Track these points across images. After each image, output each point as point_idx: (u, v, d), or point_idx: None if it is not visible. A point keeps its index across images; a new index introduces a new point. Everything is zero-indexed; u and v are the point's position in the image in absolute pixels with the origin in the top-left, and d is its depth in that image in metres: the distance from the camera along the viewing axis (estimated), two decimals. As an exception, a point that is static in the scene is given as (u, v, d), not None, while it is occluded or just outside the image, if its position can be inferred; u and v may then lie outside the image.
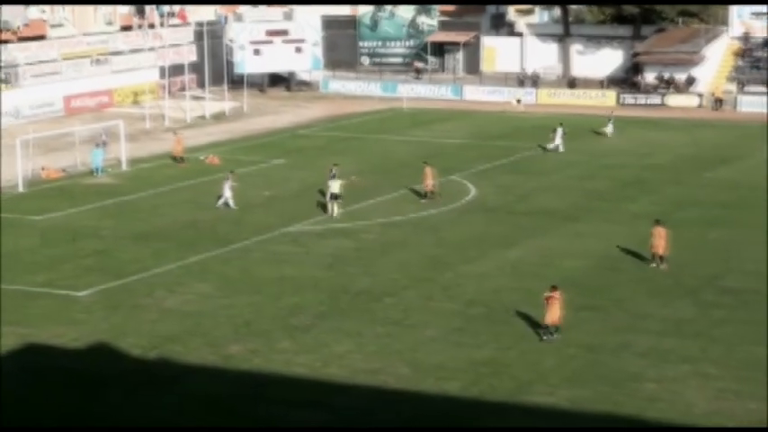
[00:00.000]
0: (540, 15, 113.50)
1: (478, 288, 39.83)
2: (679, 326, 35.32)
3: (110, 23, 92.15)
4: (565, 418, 28.71)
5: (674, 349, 33.08)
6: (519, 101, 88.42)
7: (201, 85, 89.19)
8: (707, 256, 43.69)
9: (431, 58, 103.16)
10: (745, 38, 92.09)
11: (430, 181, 53.40)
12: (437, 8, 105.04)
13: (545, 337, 33.48)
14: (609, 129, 73.06)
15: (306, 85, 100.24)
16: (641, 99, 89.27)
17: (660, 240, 41.93)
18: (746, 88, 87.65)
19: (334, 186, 50.63)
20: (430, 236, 47.59)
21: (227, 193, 52.04)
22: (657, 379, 30.96)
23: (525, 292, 39.00)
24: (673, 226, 46.58)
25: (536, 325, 35.29)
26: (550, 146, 67.82)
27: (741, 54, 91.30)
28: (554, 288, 33.62)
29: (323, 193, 52.34)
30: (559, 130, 67.51)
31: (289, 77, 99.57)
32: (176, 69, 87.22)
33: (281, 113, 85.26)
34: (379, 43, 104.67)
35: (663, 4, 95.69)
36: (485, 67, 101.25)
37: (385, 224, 49.64)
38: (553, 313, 33.20)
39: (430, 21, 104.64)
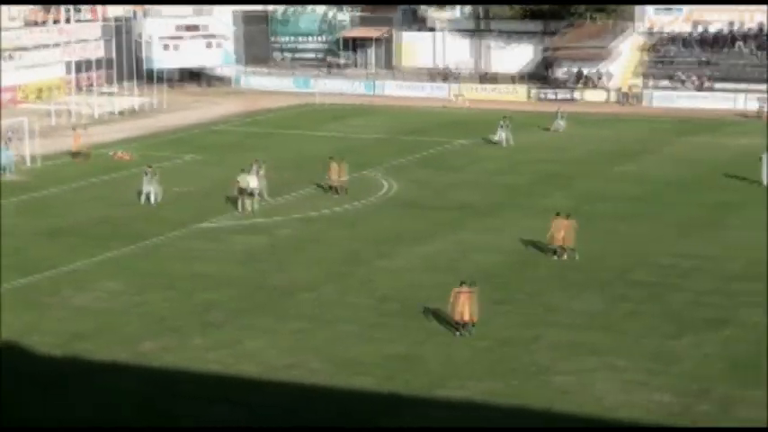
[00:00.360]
0: (455, 10, 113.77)
1: (393, 283, 39.94)
2: (589, 319, 35.71)
3: (13, 19, 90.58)
4: (479, 412, 28.85)
5: (585, 342, 33.42)
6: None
7: (112, 81, 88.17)
8: (617, 249, 44.17)
9: (344, 54, 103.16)
10: (651, 33, 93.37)
11: (335, 176, 53.45)
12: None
13: (458, 334, 33.54)
14: (560, 124, 73.52)
15: (219, 80, 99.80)
16: (552, 94, 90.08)
17: (560, 233, 42.41)
18: (654, 83, 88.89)
19: (252, 181, 50.64)
20: (345, 231, 47.63)
21: (149, 188, 51.78)
22: (568, 371, 31.24)
23: (440, 286, 38.86)
24: (584, 220, 47.21)
25: (449, 318, 35.55)
26: (495, 138, 68.60)
27: (648, 49, 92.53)
28: (463, 284, 33.68)
29: (245, 190, 52.03)
30: (501, 123, 68.23)
31: (201, 73, 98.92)
32: (85, 65, 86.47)
33: (194, 109, 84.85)
34: (293, 38, 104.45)
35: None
36: (399, 62, 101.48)
37: (300, 219, 49.57)
38: (467, 309, 33.19)
39: (343, 16, 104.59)
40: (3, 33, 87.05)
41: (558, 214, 43.23)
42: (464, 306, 33.18)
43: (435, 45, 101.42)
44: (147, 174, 52.37)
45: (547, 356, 32.33)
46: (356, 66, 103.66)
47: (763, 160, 55.90)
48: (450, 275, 40.18)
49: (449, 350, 33.15)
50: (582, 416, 28.58)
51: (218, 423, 28.26)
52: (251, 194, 50.57)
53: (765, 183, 55.27)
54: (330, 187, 53.76)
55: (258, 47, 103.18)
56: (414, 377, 31.13)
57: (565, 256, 42.46)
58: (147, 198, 51.83)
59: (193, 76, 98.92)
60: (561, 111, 74.81)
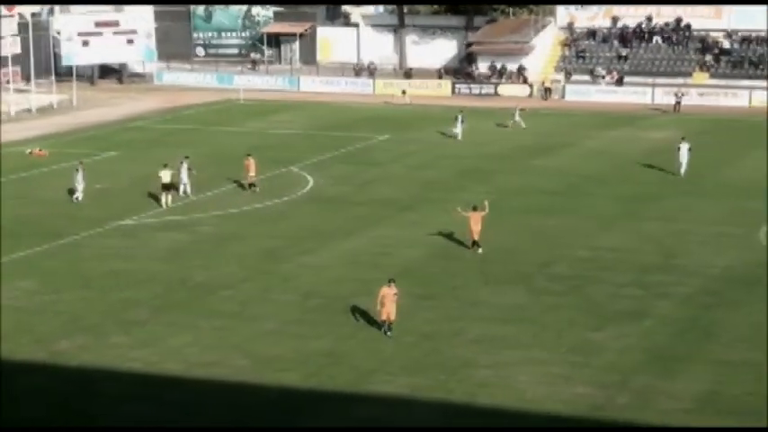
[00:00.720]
0: (376, 7, 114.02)
1: (316, 279, 39.91)
2: (511, 312, 35.90)
3: None
4: (403, 406, 28.97)
5: (507, 336, 33.65)
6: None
7: (27, 78, 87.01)
8: (538, 243, 44.53)
9: (267, 49, 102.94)
10: (570, 28, 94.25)
11: (252, 173, 53.37)
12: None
13: (389, 334, 33.41)
14: (517, 119, 72.61)
15: (139, 76, 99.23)
16: (475, 89, 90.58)
17: (476, 226, 42.79)
18: (573, 78, 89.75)
19: (165, 176, 50.60)
20: (267, 227, 47.50)
21: (81, 185, 51.43)
22: (490, 365, 31.44)
23: (363, 282, 39.18)
24: (505, 214, 47.80)
25: (374, 313, 35.54)
26: (455, 130, 68.87)
27: (567, 44, 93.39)
28: (391, 281, 33.62)
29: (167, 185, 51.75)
30: (459, 117, 68.16)
31: (121, 69, 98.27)
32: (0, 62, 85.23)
33: (113, 106, 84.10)
34: (214, 34, 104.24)
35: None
36: (321, 57, 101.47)
37: (221, 216, 49.35)
38: (389, 309, 33.25)
39: (265, 12, 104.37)
40: None
41: (474, 208, 43.59)
42: (390, 305, 33.13)
43: (359, 40, 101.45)
44: (77, 170, 51.88)
45: (470, 350, 32.46)
46: (279, 61, 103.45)
47: (681, 150, 56.75)
48: (373, 271, 40.51)
49: (374, 345, 33.20)
50: (504, 409, 28.75)
51: (138, 422, 28.01)
52: (170, 189, 50.70)
53: (682, 173, 56.25)
54: (249, 185, 53.65)
55: (180, 43, 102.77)
56: (338, 373, 31.15)
57: (480, 249, 42.86)
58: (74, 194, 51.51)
59: (111, 72, 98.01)
60: (520, 108, 73.98)
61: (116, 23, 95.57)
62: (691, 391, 29.67)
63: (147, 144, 67.84)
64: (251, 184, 53.38)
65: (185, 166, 52.27)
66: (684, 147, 56.68)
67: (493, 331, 33.79)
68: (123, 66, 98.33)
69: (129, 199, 52.05)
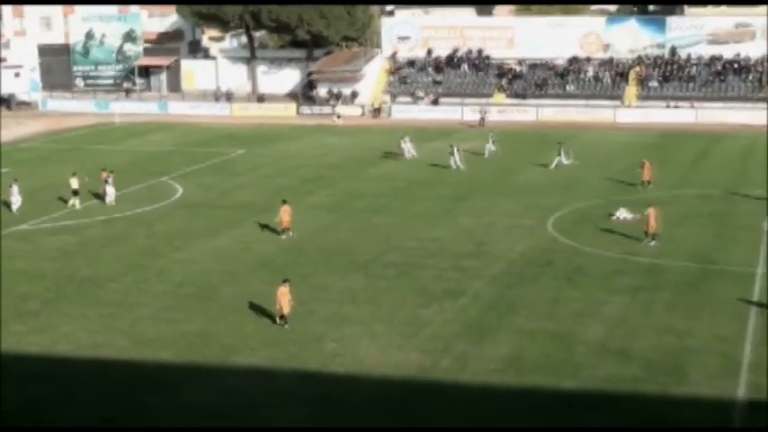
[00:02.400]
0: (231, 41, 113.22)
1: (187, 271, 39.56)
2: (353, 295, 36.10)
3: None
4: (265, 376, 29.05)
5: (350, 314, 33.86)
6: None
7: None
8: (373, 237, 44.81)
9: (138, 80, 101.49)
10: (394, 58, 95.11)
11: (75, 188, 51.81)
12: (141, 37, 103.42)
13: (286, 326, 32.76)
14: (492, 148, 66.06)
15: (26, 104, 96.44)
16: (316, 110, 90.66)
17: (285, 216, 43.91)
18: (397, 99, 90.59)
19: (74, 183, 50.90)
20: (144, 229, 46.79)
21: (16, 198, 50.19)
22: (337, 339, 31.62)
23: (228, 273, 39.22)
24: (346, 214, 48.09)
25: (237, 298, 35.58)
26: (407, 153, 66.00)
27: (392, 72, 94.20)
28: (286, 281, 33.15)
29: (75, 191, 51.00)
30: (406, 138, 66.38)
31: (9, 98, 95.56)
32: None
33: (4, 129, 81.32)
34: (92, 67, 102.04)
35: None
36: (185, 85, 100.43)
37: (105, 221, 48.45)
38: (283, 304, 32.67)
39: (136, 47, 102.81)
40: None
41: (284, 201, 44.99)
42: (284, 301, 32.66)
43: (217, 71, 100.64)
44: (11, 186, 50.73)
45: (320, 328, 32.58)
46: (149, 89, 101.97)
47: (488, 143, 61.43)
48: (236, 263, 40.52)
49: (238, 326, 33.10)
50: (346, 373, 29.08)
51: (37, 399, 27.49)
52: (78, 194, 50.94)
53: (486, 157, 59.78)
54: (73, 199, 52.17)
55: (61, 75, 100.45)
56: (208, 349, 31.02)
57: (291, 234, 44.13)
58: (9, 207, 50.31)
59: (2, 101, 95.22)
60: (492, 135, 67.65)
61: (4, 59, 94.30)
62: (498, 354, 30.27)
63: (36, 162, 66.13)
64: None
65: (105, 176, 52.25)
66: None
67: (338, 311, 33.97)
68: (11, 95, 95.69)
69: (23, 208, 50.48)
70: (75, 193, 51.31)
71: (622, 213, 46.34)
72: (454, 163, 60.57)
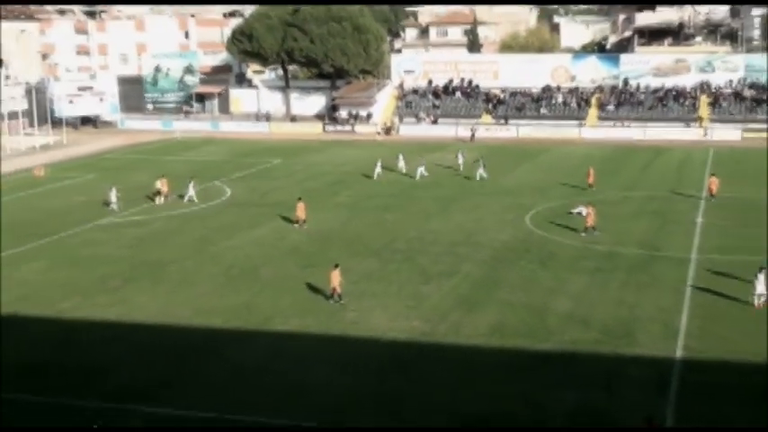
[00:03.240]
0: (269, 74, 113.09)
1: (235, 256, 39.67)
2: (368, 275, 36.23)
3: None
4: (295, 339, 29.07)
5: (365, 290, 33.97)
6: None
7: (32, 125, 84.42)
8: (383, 229, 44.80)
9: (195, 104, 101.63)
10: (401, 87, 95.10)
11: (165, 189, 52.32)
12: (198, 70, 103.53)
13: (332, 301, 32.39)
14: (482, 173, 59.02)
15: (108, 123, 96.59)
16: (339, 128, 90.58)
17: (300, 211, 44.49)
18: (404, 120, 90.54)
19: (159, 185, 52.34)
20: (200, 223, 46.87)
21: (114, 198, 49.89)
22: (355, 310, 31.76)
23: (267, 257, 39.37)
24: (361, 211, 48.01)
25: (274, 277, 35.59)
26: (402, 169, 61.76)
27: (399, 98, 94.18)
28: (336, 266, 32.86)
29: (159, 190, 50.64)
30: (400, 156, 63.26)
31: (95, 119, 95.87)
32: (13, 115, 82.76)
33: (91, 144, 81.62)
34: (159, 94, 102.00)
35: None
36: (233, 108, 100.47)
37: (168, 217, 48.51)
38: (335, 284, 32.26)
39: (194, 78, 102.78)
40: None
41: (300, 199, 45.50)
42: (335, 280, 32.32)
43: (258, 97, 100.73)
44: (111, 189, 50.52)
45: (343, 301, 32.47)
46: (204, 111, 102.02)
47: (479, 163, 59.05)
48: (273, 250, 40.65)
49: (275, 299, 33.24)
50: (362, 336, 29.25)
51: (111, 358, 27.71)
52: (160, 193, 51.71)
53: (478, 177, 57.95)
54: (164, 197, 52.36)
55: (135, 100, 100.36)
56: (251, 317, 31.16)
57: (304, 226, 44.29)
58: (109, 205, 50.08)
59: (89, 121, 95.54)
60: (482, 160, 60.38)
61: (91, 88, 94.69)
62: (485, 322, 30.39)
63: (115, 169, 66.14)
64: (163, 197, 52.35)
65: (190, 181, 52.58)
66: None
67: (356, 288, 33.99)
68: (97, 116, 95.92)
69: (104, 207, 50.72)
70: (159, 192, 51.91)
71: (579, 209, 46.30)
72: (479, 175, 58.19)
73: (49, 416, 23.50)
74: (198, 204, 51.17)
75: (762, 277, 31.02)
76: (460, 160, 61.99)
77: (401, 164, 62.41)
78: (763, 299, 31.00)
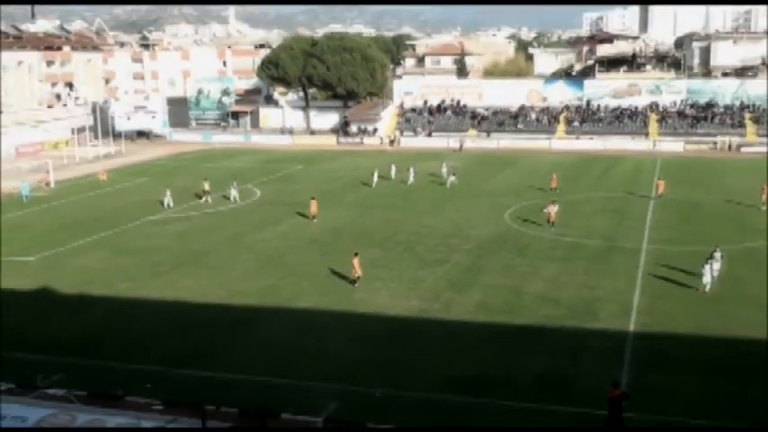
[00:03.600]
0: (292, 95, 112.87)
1: (264, 246, 39.55)
2: (375, 262, 36.05)
3: (40, 104, 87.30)
4: (314, 315, 29.02)
5: (371, 274, 33.73)
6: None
7: (97, 137, 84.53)
8: (387, 224, 44.61)
9: (231, 120, 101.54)
10: (401, 106, 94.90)
11: (206, 189, 52.04)
12: (234, 92, 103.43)
13: (355, 284, 31.96)
14: (453, 180, 57.47)
15: (158, 136, 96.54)
16: (350, 140, 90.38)
17: (313, 207, 44.86)
18: (404, 133, 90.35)
19: (206, 185, 51.87)
20: (234, 219, 46.72)
21: (168, 199, 49.85)
22: (364, 291, 31.66)
23: (290, 247, 39.24)
24: (368, 209, 47.95)
25: (297, 264, 35.44)
26: (410, 180, 58.76)
27: (400, 115, 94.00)
28: (356, 254, 32.73)
29: (207, 191, 50.58)
30: (392, 165, 61.40)
31: (148, 132, 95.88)
32: (81, 129, 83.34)
33: (144, 153, 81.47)
34: (201, 112, 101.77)
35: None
36: (262, 124, 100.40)
37: (208, 214, 48.42)
38: (357, 269, 32.13)
39: (229, 99, 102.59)
40: (31, 112, 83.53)
41: (312, 197, 45.57)
42: (357, 267, 32.16)
43: (283, 114, 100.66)
44: (166, 190, 50.48)
45: (344, 283, 32.53)
46: (238, 126, 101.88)
47: (450, 171, 58.07)
48: (296, 241, 40.45)
49: (297, 282, 33.14)
50: (369, 312, 29.16)
51: (160, 330, 27.67)
52: (209, 193, 51.42)
53: (448, 185, 56.69)
54: (202, 196, 52.14)
55: (181, 117, 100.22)
56: (278, 297, 31.10)
57: (315, 220, 44.39)
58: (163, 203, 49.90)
59: (143, 134, 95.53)
60: (453, 168, 59.61)
61: (145, 107, 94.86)
62: (472, 301, 30.32)
63: (164, 174, 65.95)
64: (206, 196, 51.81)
65: (234, 184, 52.62)
66: (447, 170, 58.21)
67: (365, 272, 33.75)
68: (149, 130, 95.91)
69: (155, 205, 50.67)
70: (206, 192, 51.49)
71: (549, 208, 46.16)
72: (449, 183, 56.78)
73: (110, 378, 23.52)
74: (237, 203, 51.09)
75: (708, 267, 30.77)
76: (444, 170, 59.97)
77: (393, 172, 61.17)
78: (707, 286, 30.67)
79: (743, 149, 77.21)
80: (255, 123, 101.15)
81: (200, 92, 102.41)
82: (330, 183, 60.70)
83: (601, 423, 19.97)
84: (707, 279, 30.64)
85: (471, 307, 29.57)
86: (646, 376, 23.30)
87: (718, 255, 31.63)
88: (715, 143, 79.13)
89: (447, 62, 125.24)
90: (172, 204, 49.76)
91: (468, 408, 21.57)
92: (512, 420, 20.75)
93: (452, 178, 57.90)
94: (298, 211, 48.31)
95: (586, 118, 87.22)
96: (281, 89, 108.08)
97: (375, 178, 58.53)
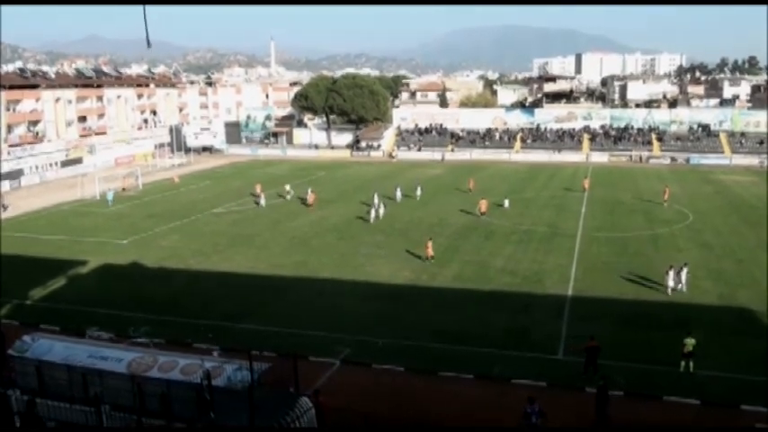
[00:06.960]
0: (318, 120, 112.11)
1: (295, 232, 39.10)
2: (379, 244, 35.74)
3: (133, 126, 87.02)
4: (332, 283, 28.69)
5: (375, 253, 33.56)
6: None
7: (173, 151, 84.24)
8: (388, 216, 43.98)
9: (272, 138, 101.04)
10: (399, 128, 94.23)
11: (259, 190, 51.25)
12: (274, 117, 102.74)
13: (428, 262, 30.62)
14: (418, 193, 50.76)
15: (218, 151, 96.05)
16: (361, 153, 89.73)
17: (312, 198, 44.14)
18: (401, 148, 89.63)
19: (258, 188, 50.93)
20: (274, 211, 46.22)
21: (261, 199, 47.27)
22: (370, 265, 31.39)
23: (315, 233, 38.79)
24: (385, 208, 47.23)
25: (320, 245, 34.98)
26: (418, 194, 50.82)
27: (398, 134, 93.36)
28: (430, 239, 32.08)
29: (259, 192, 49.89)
30: (398, 188, 51.73)
31: (210, 148, 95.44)
32: (161, 145, 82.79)
33: (207, 163, 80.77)
34: (250, 133, 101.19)
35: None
36: (295, 141, 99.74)
37: (254, 208, 47.94)
38: (430, 250, 30.79)
39: (270, 123, 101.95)
40: (126, 132, 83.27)
41: (313, 190, 45.12)
42: (429, 248, 31.33)
43: (311, 134, 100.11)
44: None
45: (361, 259, 32.31)
46: (277, 143, 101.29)
47: (417, 191, 50.91)
48: (319, 228, 39.98)
49: (320, 258, 32.84)
50: (374, 281, 28.77)
51: (220, 294, 27.36)
52: (258, 195, 49.73)
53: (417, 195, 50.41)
54: (256, 197, 50.71)
55: (235, 136, 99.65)
56: (305, 270, 30.79)
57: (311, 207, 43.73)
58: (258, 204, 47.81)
59: (207, 149, 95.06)
60: (420, 186, 53.04)
61: (208, 129, 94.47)
62: (451, 273, 30.05)
63: (224, 178, 65.65)
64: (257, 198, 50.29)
65: (288, 188, 50.72)
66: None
67: (371, 251, 33.72)
68: (211, 146, 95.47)
69: (216, 200, 50.38)
70: (257, 195, 49.91)
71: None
72: (418, 196, 49.67)
73: (181, 330, 23.36)
74: (273, 200, 50.60)
75: (672, 273, 26.76)
76: (419, 192, 51.27)
77: (398, 194, 50.02)
78: (669, 291, 26.49)
79: (651, 161, 77.01)
80: (290, 141, 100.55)
81: (249, 117, 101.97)
82: (346, 185, 60.21)
83: (552, 363, 19.75)
84: (671, 284, 26.65)
85: (450, 277, 29.31)
86: (579, 327, 23.10)
87: (684, 270, 27.22)
88: (630, 156, 78.79)
89: (432, 96, 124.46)
90: (263, 204, 46.31)
91: (450, 353, 21.35)
92: (484, 362, 20.53)
93: (419, 192, 49.56)
94: (321, 205, 47.85)
95: (536, 137, 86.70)
96: (309, 115, 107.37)
97: (376, 202, 45.54)
